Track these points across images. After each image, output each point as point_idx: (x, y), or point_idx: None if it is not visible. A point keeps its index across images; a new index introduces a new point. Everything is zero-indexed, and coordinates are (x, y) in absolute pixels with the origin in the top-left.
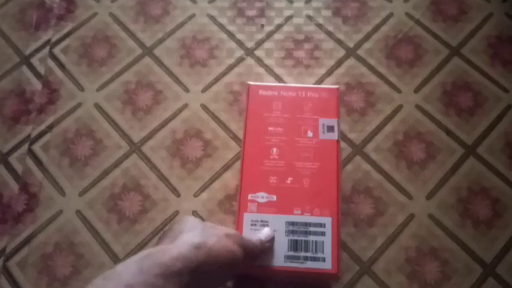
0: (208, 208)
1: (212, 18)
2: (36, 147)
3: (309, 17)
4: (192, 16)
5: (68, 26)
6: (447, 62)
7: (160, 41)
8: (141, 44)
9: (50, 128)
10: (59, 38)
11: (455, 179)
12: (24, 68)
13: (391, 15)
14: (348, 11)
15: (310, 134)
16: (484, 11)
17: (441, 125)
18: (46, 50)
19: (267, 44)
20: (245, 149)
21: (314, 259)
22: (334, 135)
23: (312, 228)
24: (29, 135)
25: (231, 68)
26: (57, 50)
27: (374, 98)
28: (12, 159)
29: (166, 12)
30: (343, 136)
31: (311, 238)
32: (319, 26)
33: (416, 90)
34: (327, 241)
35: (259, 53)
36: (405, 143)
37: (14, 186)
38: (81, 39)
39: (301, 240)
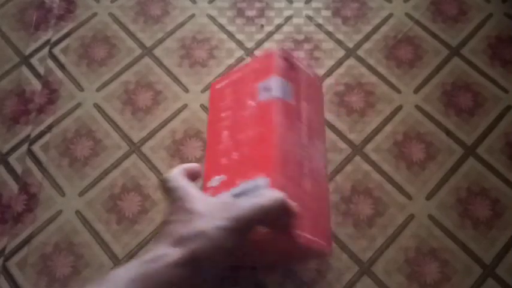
0: None
1: (212, 18)
2: (36, 148)
3: (309, 17)
4: (192, 16)
5: (68, 26)
6: (447, 62)
7: (160, 41)
8: (140, 44)
9: (50, 128)
10: (58, 38)
11: (455, 180)
12: (24, 68)
13: (390, 15)
14: (348, 11)
15: (252, 103)
16: (483, 11)
17: (441, 126)
18: (46, 50)
19: (267, 44)
20: (207, 147)
21: None
22: (272, 94)
23: (254, 192)
24: (28, 136)
25: (230, 68)
26: (56, 50)
27: (374, 98)
28: (12, 159)
29: (166, 13)
30: (342, 136)
31: None
32: (319, 26)
33: (416, 91)
34: None
35: (259, 53)
36: (405, 143)
37: (14, 187)
38: (80, 39)
39: None
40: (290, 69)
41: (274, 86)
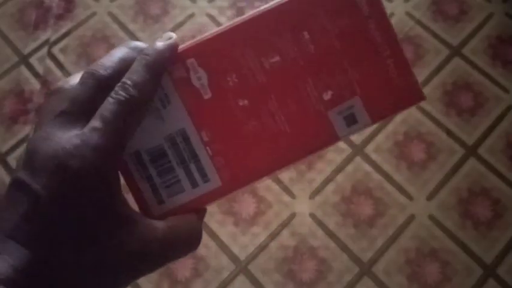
0: (208, 210)
1: (211, 17)
2: None
3: None
4: (192, 15)
5: (67, 26)
6: (448, 62)
7: None
8: None
9: None
10: (57, 38)
11: (455, 180)
12: (23, 68)
13: (391, 15)
14: None
15: None
16: (484, 11)
17: (442, 126)
18: (45, 49)
19: None
20: None
21: None
22: None
23: None
24: (27, 135)
25: None
26: (56, 50)
27: None
28: (11, 159)
29: (165, 12)
30: None
31: None
32: None
33: None
34: None
35: None
36: (406, 143)
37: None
38: (80, 38)
39: None
40: None
41: None
